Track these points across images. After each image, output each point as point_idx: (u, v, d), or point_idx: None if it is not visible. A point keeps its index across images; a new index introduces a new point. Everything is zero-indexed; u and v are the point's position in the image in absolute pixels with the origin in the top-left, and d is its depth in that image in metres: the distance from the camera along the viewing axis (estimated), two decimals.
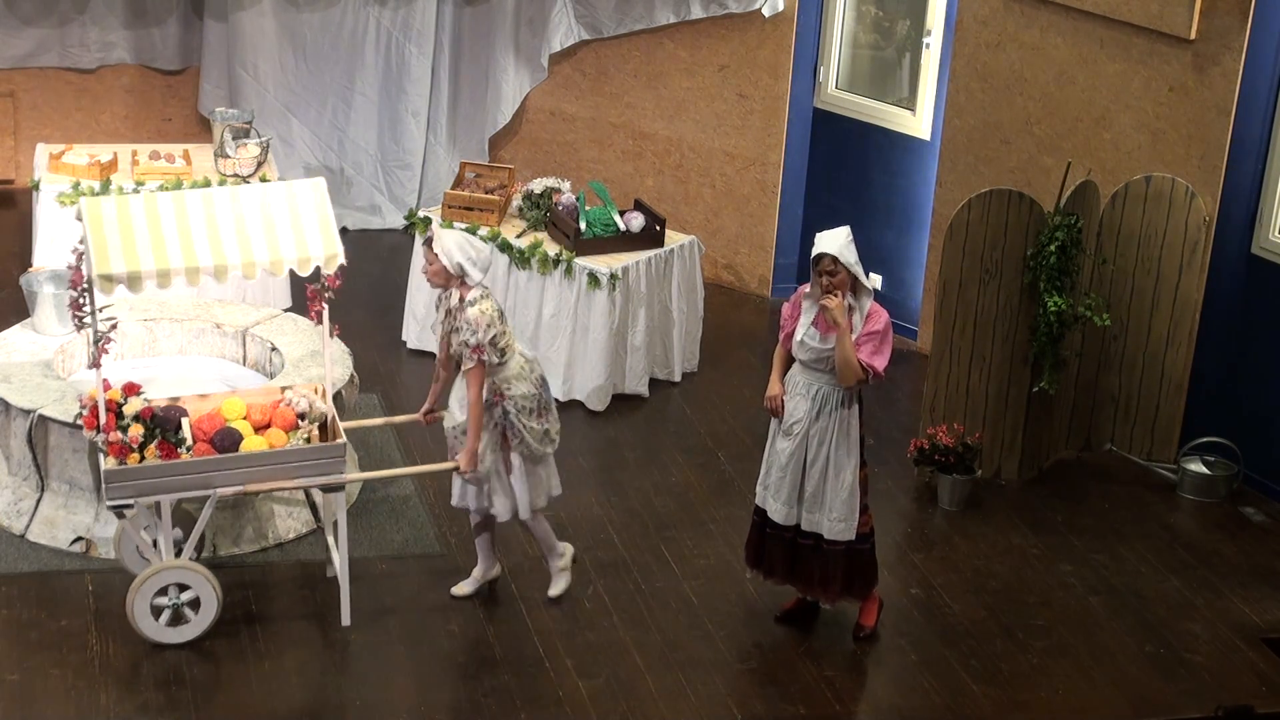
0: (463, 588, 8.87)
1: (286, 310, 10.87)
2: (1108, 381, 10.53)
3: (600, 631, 8.68)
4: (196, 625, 8.32)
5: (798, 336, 8.31)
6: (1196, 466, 10.33)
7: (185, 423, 8.36)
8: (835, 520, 8.42)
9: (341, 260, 8.17)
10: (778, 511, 8.51)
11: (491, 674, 8.30)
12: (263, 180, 11.45)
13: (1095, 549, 9.70)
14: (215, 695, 8.01)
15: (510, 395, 8.34)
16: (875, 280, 12.22)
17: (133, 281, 7.79)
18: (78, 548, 8.95)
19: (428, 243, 8.30)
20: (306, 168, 13.43)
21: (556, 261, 10.75)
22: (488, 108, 13.41)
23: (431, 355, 11.33)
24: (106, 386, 8.19)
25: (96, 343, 8.02)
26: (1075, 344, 10.23)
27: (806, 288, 8.32)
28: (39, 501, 9.03)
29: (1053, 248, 9.80)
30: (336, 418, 8.60)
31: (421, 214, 11.25)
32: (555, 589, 8.88)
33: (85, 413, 8.30)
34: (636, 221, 11.00)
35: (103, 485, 8.13)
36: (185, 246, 7.93)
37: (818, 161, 12.47)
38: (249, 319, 10.09)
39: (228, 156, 11.48)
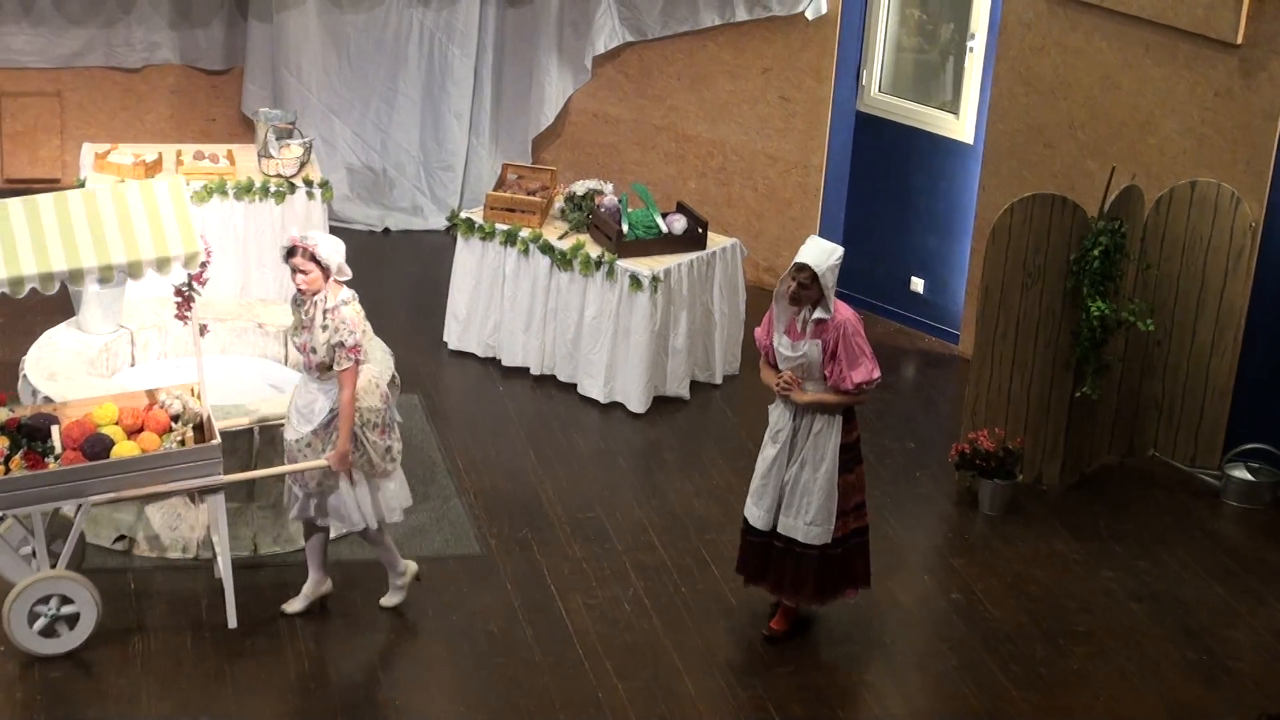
0: (293, 604, 8.64)
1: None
2: (1151, 387, 10.48)
3: (640, 633, 8.68)
4: (76, 636, 8.15)
5: (775, 344, 8.33)
6: (1240, 473, 10.27)
7: (55, 430, 8.21)
8: (810, 524, 8.41)
9: (203, 257, 8.05)
10: (758, 518, 8.51)
11: (531, 675, 8.30)
12: (305, 182, 11.48)
13: (1137, 555, 9.65)
14: (254, 693, 8.03)
15: (357, 406, 8.23)
16: (917, 285, 12.20)
17: None
18: (120, 546, 8.99)
19: (291, 254, 8.14)
20: (349, 168, 13.47)
21: (598, 263, 10.75)
22: (531, 109, 13.42)
23: (472, 355, 11.36)
24: None
25: None
26: (1118, 349, 10.18)
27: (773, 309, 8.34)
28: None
29: (1096, 252, 9.76)
30: (211, 418, 8.42)
31: (463, 215, 11.26)
32: (389, 600, 8.70)
33: None
34: (679, 224, 10.99)
35: None
36: (39, 252, 7.79)
37: (860, 165, 12.44)
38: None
39: (271, 157, 11.51)
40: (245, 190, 11.38)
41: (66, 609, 8.12)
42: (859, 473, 8.48)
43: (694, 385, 11.14)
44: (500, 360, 11.28)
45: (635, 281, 10.63)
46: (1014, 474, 9.97)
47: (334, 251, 8.16)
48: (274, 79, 13.27)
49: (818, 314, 8.18)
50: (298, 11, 13.10)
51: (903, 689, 8.46)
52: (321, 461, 8.23)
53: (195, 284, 8.25)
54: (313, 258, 8.11)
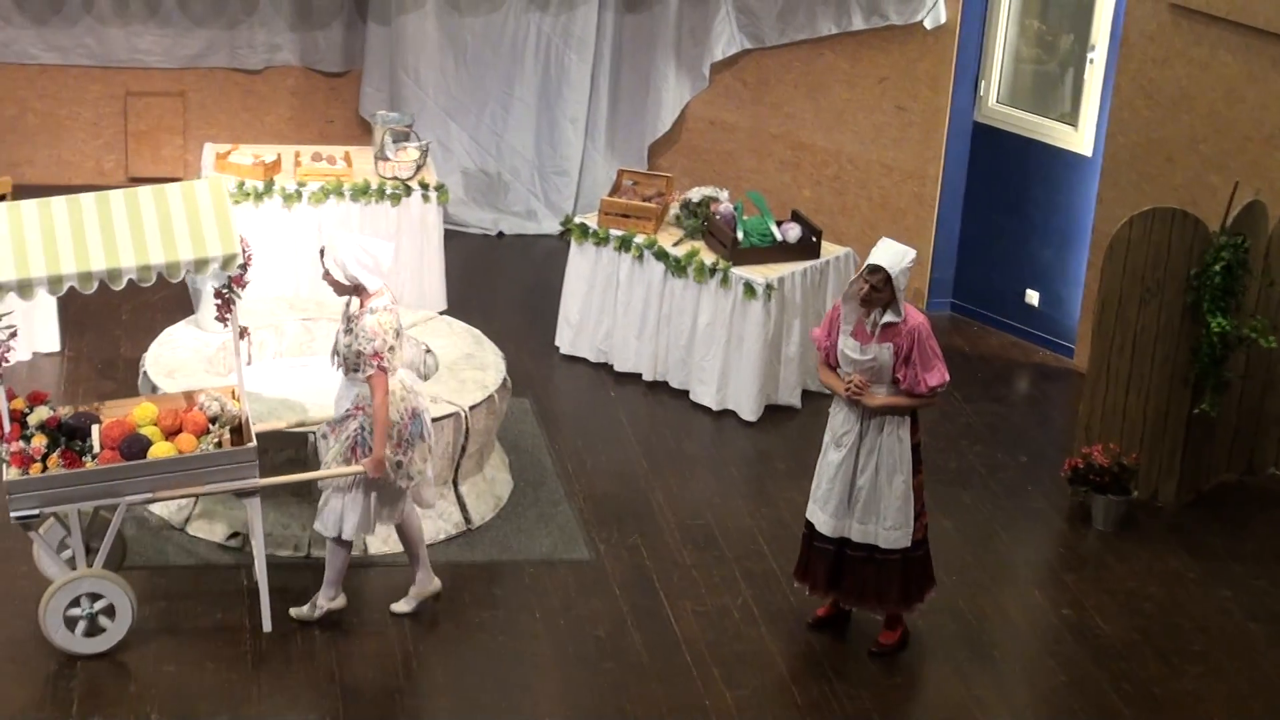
0: (401, 605, 8.65)
1: (442, 313, 10.96)
2: (1273, 404, 10.33)
3: (748, 642, 8.65)
4: (113, 633, 8.15)
5: (840, 346, 8.26)
6: None
7: (95, 430, 8.22)
8: (890, 529, 8.34)
9: (241, 260, 8.01)
10: (825, 523, 8.43)
11: (638, 681, 8.30)
12: (421, 185, 11.55)
13: (1256, 574, 9.52)
14: (365, 691, 8.08)
15: (368, 413, 8.19)
16: (1032, 297, 12.10)
17: (23, 289, 7.69)
18: (234, 543, 9.07)
19: (322, 254, 8.13)
20: (464, 172, 13.54)
21: (713, 271, 10.74)
22: (647, 115, 13.43)
23: (584, 360, 11.38)
24: (10, 395, 8.04)
25: None
26: (1239, 366, 10.05)
27: (840, 307, 8.25)
28: (199, 496, 9.14)
29: (1218, 268, 9.64)
30: (249, 420, 8.41)
31: (577, 220, 11.29)
32: (300, 612, 8.56)
33: None
34: (793, 232, 10.97)
35: (7, 497, 7.99)
36: (79, 251, 7.80)
37: (976, 176, 12.36)
38: (405, 320, 10.15)
39: (387, 159, 11.59)
40: (361, 192, 11.46)
41: (100, 604, 8.12)
42: (920, 479, 8.43)
43: (805, 394, 11.09)
44: (612, 366, 11.29)
45: (749, 289, 10.61)
46: (1129, 490, 9.86)
47: (347, 260, 8.06)
48: (392, 82, 13.36)
49: (888, 317, 8.12)
50: (416, 15, 13.18)
51: (1011, 704, 8.38)
52: (358, 468, 8.20)
53: (235, 287, 8.23)
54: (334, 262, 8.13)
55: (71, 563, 8.26)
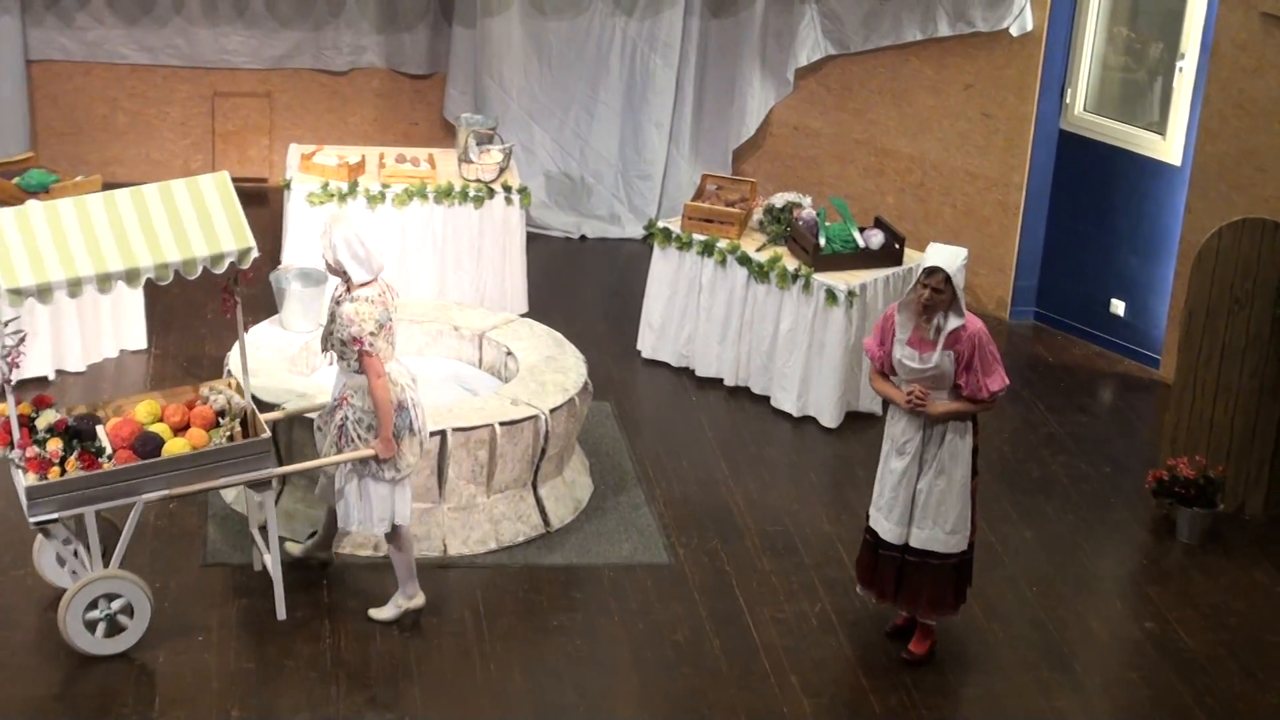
0: (382, 612, 8.60)
1: (523, 316, 10.98)
2: None
3: (826, 649, 8.62)
4: (134, 631, 8.14)
5: (896, 356, 8.19)
6: None
7: (100, 431, 8.21)
8: (950, 534, 8.29)
9: (255, 253, 7.96)
10: (890, 531, 8.38)
11: (716, 687, 8.28)
12: (504, 187, 11.58)
13: None
14: (441, 692, 8.10)
15: (352, 404, 8.22)
16: (1117, 307, 12.00)
17: (43, 293, 7.65)
18: (313, 540, 9.10)
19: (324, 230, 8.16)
20: (547, 175, 13.56)
21: (795, 276, 10.71)
22: (731, 120, 13.41)
23: (666, 365, 11.37)
24: (17, 400, 7.99)
25: (4, 357, 7.77)
26: None
27: (895, 314, 8.18)
28: (279, 495, 9.20)
29: None
30: (256, 412, 8.40)
31: (661, 224, 11.28)
32: (381, 612, 8.57)
33: None
34: (876, 239, 10.92)
35: (24, 503, 7.93)
36: (94, 253, 7.74)
37: (1062, 184, 12.27)
38: (486, 323, 10.20)
39: (471, 162, 11.62)
40: (444, 194, 11.50)
41: (118, 603, 8.11)
42: (975, 483, 8.38)
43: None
44: (694, 370, 11.28)
45: (831, 296, 10.57)
46: (1215, 503, 9.76)
47: (339, 243, 8.07)
48: (476, 84, 13.40)
49: (951, 322, 8.06)
50: (502, 18, 13.22)
51: (1091, 717, 8.31)
52: (368, 451, 8.22)
53: (242, 283, 8.20)
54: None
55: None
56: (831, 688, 8.34)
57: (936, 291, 8.00)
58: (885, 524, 8.39)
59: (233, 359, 9.57)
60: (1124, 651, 8.79)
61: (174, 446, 8.17)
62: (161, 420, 8.37)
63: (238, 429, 8.37)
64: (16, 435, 7.97)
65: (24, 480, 7.94)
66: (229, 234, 7.94)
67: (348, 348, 8.15)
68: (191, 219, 7.94)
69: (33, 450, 7.95)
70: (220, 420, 8.40)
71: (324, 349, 8.39)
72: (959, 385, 8.12)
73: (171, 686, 7.98)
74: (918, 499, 8.29)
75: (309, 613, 8.57)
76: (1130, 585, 9.41)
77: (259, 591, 8.68)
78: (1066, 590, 9.26)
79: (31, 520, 7.95)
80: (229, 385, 8.62)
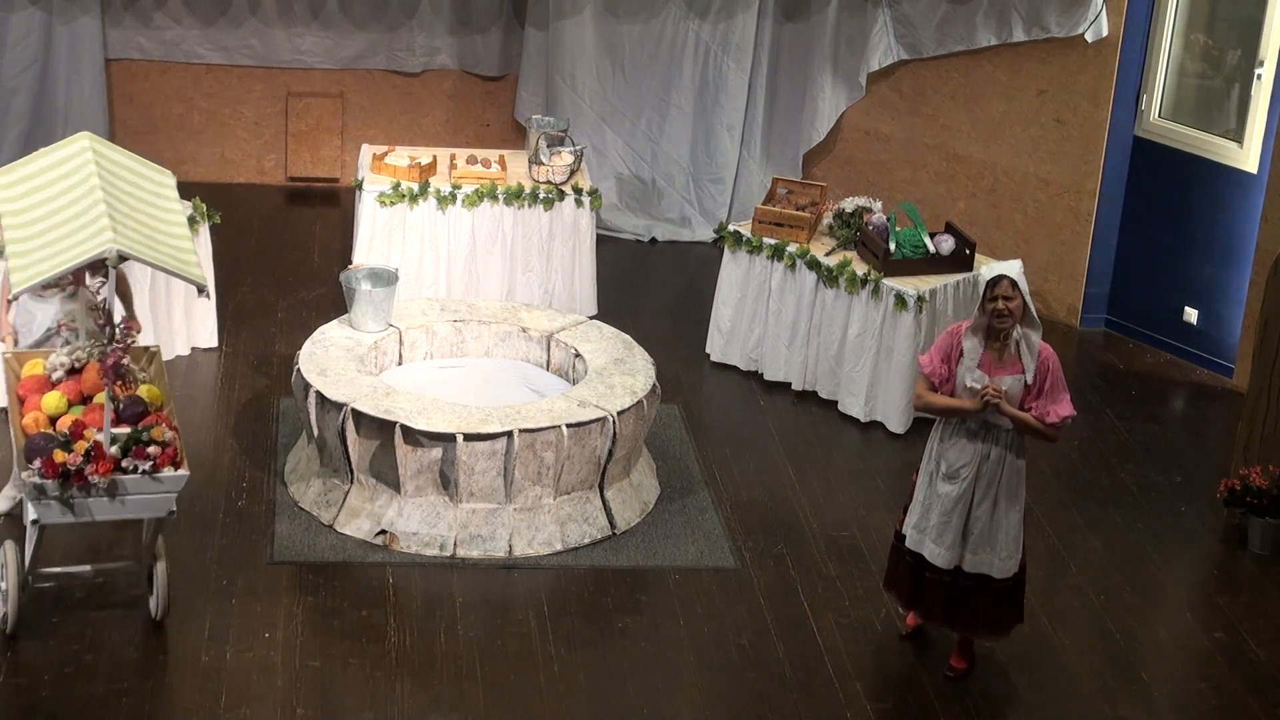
0: None
1: (592, 318, 10.98)
2: None
3: (891, 656, 8.59)
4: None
5: (965, 381, 8.05)
6: None
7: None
8: (1005, 559, 8.20)
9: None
10: (940, 556, 8.25)
11: (780, 692, 8.26)
12: (575, 189, 11.59)
13: None
14: (504, 693, 8.11)
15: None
16: (1191, 315, 11.90)
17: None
18: (380, 540, 9.14)
19: None
20: (618, 177, 13.57)
21: (864, 281, 10.68)
22: (803, 124, 13.38)
23: (734, 368, 11.36)
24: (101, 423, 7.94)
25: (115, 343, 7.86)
26: None
27: (963, 330, 8.08)
28: (347, 494, 9.24)
29: None
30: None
31: (731, 228, 11.27)
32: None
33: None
34: (946, 244, 10.87)
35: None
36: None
37: (1136, 191, 12.18)
38: (555, 324, 10.21)
39: (542, 164, 11.64)
40: (515, 196, 11.52)
41: None
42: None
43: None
44: (762, 374, 11.26)
45: (900, 301, 10.53)
46: None
47: None
48: (548, 86, 13.43)
49: (1030, 338, 7.96)
50: (574, 21, 13.24)
51: None
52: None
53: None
54: None
55: None
56: (895, 695, 8.30)
57: (1009, 300, 7.93)
58: (934, 548, 8.27)
59: (302, 358, 9.59)
60: (1193, 662, 8.72)
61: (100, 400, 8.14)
62: (72, 402, 8.27)
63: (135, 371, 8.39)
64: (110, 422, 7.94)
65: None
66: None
67: None
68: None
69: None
70: (122, 373, 8.22)
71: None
72: (1028, 409, 8.02)
73: (237, 684, 8.03)
74: (973, 525, 8.20)
75: (374, 613, 8.60)
76: (1200, 595, 9.33)
77: (324, 588, 8.72)
78: (1135, 600, 9.19)
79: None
80: (44, 356, 8.51)
